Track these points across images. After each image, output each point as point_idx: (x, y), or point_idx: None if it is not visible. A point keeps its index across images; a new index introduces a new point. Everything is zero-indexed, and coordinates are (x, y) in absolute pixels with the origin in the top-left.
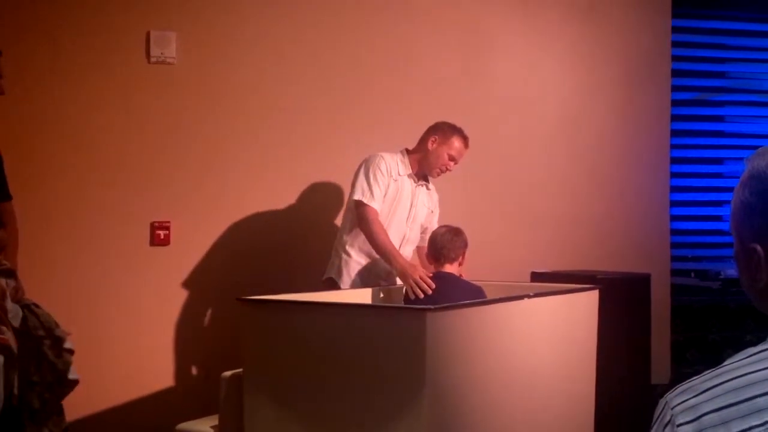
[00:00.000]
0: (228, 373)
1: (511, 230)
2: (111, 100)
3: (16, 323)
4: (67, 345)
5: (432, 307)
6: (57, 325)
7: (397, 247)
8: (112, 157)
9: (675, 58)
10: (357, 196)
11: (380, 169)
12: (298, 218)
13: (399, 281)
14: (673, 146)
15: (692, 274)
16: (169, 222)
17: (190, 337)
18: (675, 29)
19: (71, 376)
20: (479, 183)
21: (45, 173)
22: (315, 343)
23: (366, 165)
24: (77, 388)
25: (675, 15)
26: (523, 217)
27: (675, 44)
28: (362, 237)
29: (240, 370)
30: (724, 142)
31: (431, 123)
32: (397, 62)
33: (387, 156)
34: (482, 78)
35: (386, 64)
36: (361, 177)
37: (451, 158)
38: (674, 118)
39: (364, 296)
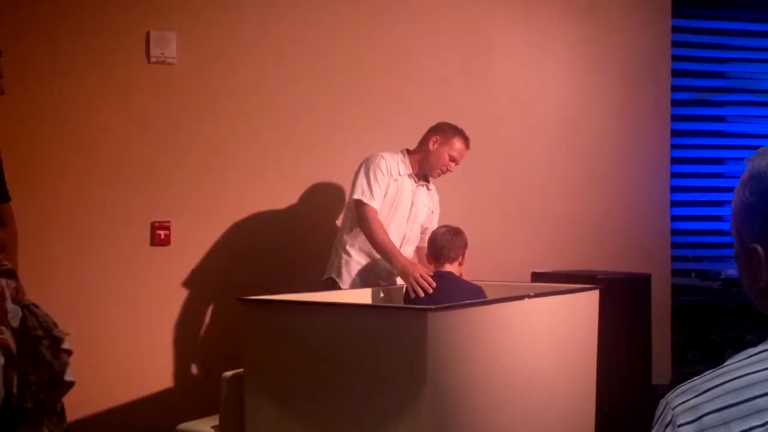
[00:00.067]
0: (228, 374)
1: (512, 230)
2: (111, 100)
3: (15, 323)
4: (66, 345)
5: (433, 307)
6: (56, 325)
7: (397, 246)
8: (112, 157)
9: (675, 58)
10: (357, 196)
11: (380, 169)
12: (298, 218)
13: (399, 281)
14: (673, 146)
15: (693, 274)
16: (169, 222)
17: (190, 337)
18: (675, 29)
19: (67, 377)
20: (479, 183)
21: (45, 173)
22: (315, 343)
23: (366, 164)
24: (77, 389)
25: (675, 15)
26: (523, 217)
27: (675, 44)
28: (362, 237)
29: (240, 370)
30: (724, 142)
31: (431, 123)
32: (397, 62)
33: (387, 156)
34: (482, 78)
35: (386, 64)
36: (361, 176)
37: (452, 159)
38: (674, 118)
39: (364, 296)
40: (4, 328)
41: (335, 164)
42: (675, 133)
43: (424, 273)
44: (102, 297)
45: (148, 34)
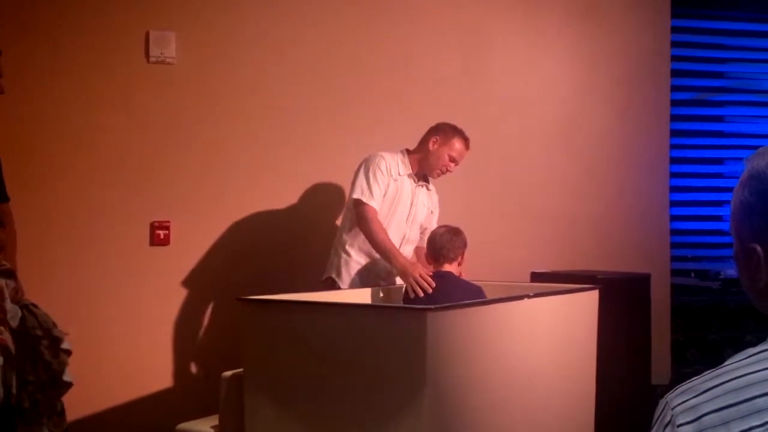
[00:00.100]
0: (228, 373)
1: (511, 230)
2: (111, 100)
3: (15, 324)
4: (65, 345)
5: (432, 306)
6: (55, 326)
7: (397, 246)
8: (112, 157)
9: (674, 58)
10: (356, 195)
11: (380, 169)
12: (298, 218)
13: (399, 281)
14: (672, 146)
15: (692, 274)
16: (168, 222)
17: (190, 337)
18: (674, 29)
19: (66, 378)
20: (479, 183)
21: (45, 173)
22: (315, 343)
23: (366, 164)
24: (77, 389)
25: (674, 15)
26: (522, 217)
27: (674, 44)
28: (362, 236)
29: (240, 370)
30: (723, 142)
31: (431, 123)
32: (397, 62)
33: (387, 156)
34: (482, 78)
35: (386, 64)
36: (361, 176)
37: (452, 159)
38: (674, 118)
39: (364, 296)
40: (2, 329)
41: (335, 164)
42: (674, 133)
43: (423, 273)
44: (101, 297)
45: (147, 34)
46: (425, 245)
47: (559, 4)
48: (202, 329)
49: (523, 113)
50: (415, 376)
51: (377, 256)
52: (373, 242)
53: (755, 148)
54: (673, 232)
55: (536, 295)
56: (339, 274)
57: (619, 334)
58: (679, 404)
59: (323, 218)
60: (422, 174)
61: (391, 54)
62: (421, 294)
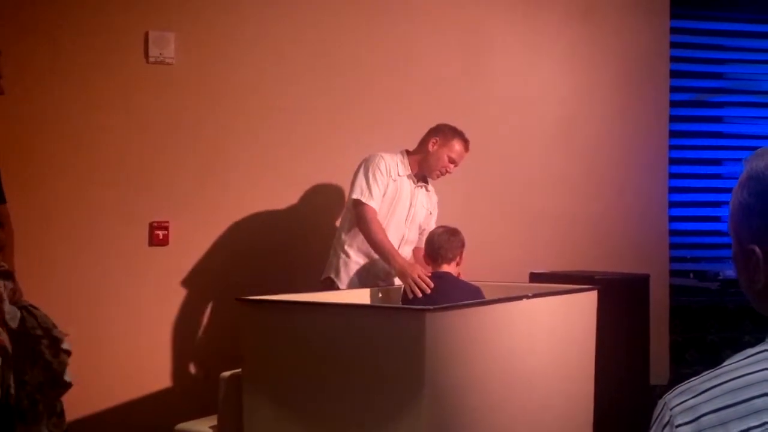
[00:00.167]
0: (227, 374)
1: (510, 230)
2: (111, 100)
3: (14, 324)
4: (65, 346)
5: (431, 307)
6: (54, 326)
7: (396, 247)
8: (111, 157)
9: (673, 59)
10: (355, 195)
11: (380, 169)
12: (298, 218)
13: (397, 281)
14: (671, 147)
15: (691, 275)
16: (167, 222)
17: (189, 337)
18: (673, 30)
19: (66, 378)
20: (478, 183)
21: (45, 173)
22: (315, 343)
23: (365, 164)
24: (77, 389)
25: (673, 16)
26: (522, 218)
27: (673, 45)
28: (361, 237)
29: (239, 370)
30: (722, 143)
31: (431, 123)
32: (397, 62)
33: (387, 156)
34: (482, 78)
35: (386, 64)
36: (360, 176)
37: (451, 161)
38: (673, 119)
39: (363, 296)
40: (1, 330)
41: (335, 164)
42: (673, 133)
43: (422, 273)
44: (101, 297)
45: (146, 35)
46: (423, 246)
47: (558, 4)
48: (202, 329)
49: (522, 113)
50: (414, 377)
51: (376, 256)
52: (372, 242)
53: (754, 149)
54: (672, 232)
55: (535, 296)
56: (338, 274)
57: (618, 335)
58: (677, 404)
59: (323, 218)
60: (422, 175)
61: (391, 54)
62: (420, 294)
